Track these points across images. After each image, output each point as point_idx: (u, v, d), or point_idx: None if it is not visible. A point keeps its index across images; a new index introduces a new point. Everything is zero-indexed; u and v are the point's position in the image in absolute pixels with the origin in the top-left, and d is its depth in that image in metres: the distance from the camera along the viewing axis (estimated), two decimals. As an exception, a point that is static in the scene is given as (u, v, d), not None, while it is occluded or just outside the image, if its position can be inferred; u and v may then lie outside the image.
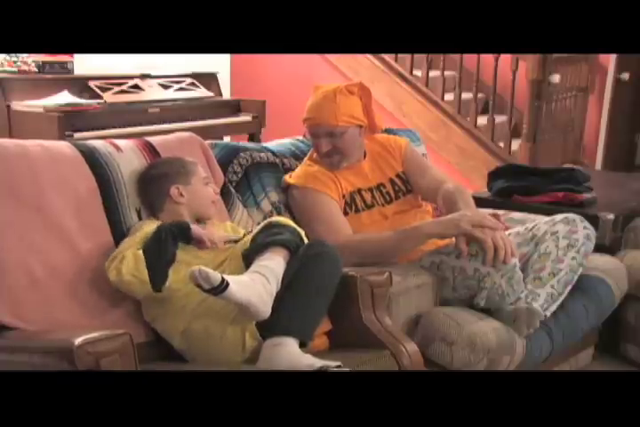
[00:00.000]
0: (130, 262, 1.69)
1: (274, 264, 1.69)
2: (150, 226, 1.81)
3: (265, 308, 1.62)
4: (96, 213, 1.86)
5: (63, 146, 1.92)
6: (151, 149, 2.04)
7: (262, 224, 1.82)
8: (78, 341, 1.35)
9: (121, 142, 2.02)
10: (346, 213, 2.28)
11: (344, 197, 2.30)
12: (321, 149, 2.30)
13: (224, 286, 1.55)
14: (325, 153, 2.31)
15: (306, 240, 1.81)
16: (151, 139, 2.10)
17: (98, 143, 1.98)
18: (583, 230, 2.28)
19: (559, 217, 2.30)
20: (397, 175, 2.41)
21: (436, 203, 2.37)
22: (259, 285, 1.62)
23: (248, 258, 1.73)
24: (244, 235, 1.91)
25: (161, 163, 1.99)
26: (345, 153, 2.32)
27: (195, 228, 1.80)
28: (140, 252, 1.71)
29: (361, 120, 2.33)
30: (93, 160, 1.90)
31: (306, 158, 2.45)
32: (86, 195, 1.85)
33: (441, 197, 2.29)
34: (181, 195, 1.91)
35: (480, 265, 2.03)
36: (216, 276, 1.55)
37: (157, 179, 1.92)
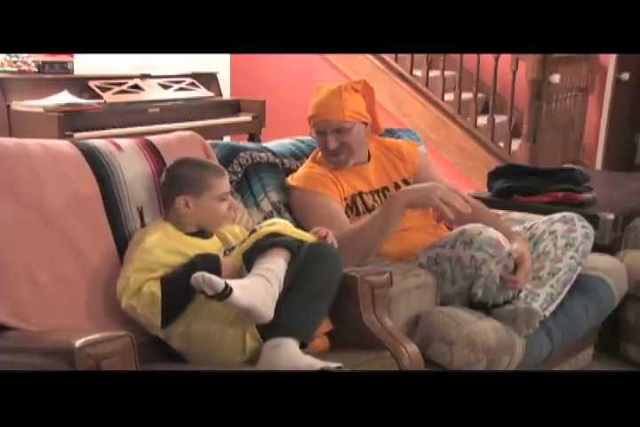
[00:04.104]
0: (146, 302, 1.67)
1: (275, 266, 1.68)
2: (158, 231, 1.79)
3: (268, 311, 1.62)
4: (97, 212, 1.85)
5: (63, 145, 1.91)
6: (152, 148, 2.03)
7: (262, 233, 1.77)
8: (79, 342, 1.34)
9: (122, 141, 2.01)
10: (347, 216, 2.26)
11: (345, 199, 2.29)
12: (329, 146, 2.28)
13: (228, 291, 1.54)
14: (333, 151, 2.29)
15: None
16: (152, 138, 2.09)
17: (98, 142, 1.97)
18: (581, 229, 2.28)
19: (557, 216, 2.30)
20: (404, 180, 2.39)
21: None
22: (261, 288, 1.62)
23: (249, 259, 1.72)
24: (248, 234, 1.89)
25: (185, 164, 1.87)
26: (352, 150, 2.31)
27: (224, 267, 1.73)
28: (159, 291, 1.66)
29: (366, 117, 2.34)
30: (94, 159, 1.89)
31: (307, 160, 2.44)
32: (87, 194, 1.84)
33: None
34: (187, 206, 1.81)
35: (476, 252, 2.01)
36: (220, 282, 1.54)
37: (170, 181, 1.86)
